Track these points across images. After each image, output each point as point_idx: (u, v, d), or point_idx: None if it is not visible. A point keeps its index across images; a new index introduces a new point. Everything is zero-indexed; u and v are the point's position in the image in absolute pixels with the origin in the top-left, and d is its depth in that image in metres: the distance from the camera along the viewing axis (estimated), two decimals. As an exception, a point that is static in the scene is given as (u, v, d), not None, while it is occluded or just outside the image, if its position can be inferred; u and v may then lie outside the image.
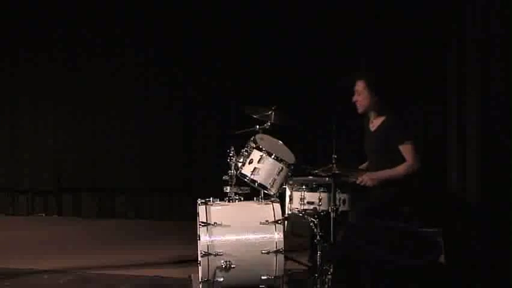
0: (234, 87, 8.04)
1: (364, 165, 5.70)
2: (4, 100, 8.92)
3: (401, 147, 5.29)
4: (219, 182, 5.24)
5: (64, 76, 8.73)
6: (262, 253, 4.82)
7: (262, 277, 4.82)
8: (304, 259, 5.53)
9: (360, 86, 5.45)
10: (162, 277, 5.58)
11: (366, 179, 5.26)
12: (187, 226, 5.79)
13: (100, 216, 8.74)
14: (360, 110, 5.51)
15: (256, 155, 5.16)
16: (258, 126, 5.53)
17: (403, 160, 5.29)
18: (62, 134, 8.83)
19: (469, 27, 6.27)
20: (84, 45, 8.64)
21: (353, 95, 5.50)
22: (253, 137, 5.32)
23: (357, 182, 5.27)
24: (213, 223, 4.86)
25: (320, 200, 5.20)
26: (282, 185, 5.26)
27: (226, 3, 8.01)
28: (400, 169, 5.27)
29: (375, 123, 5.50)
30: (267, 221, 4.90)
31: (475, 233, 5.91)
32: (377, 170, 5.36)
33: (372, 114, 5.51)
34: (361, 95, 5.44)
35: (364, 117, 5.63)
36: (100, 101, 8.66)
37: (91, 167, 8.75)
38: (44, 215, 8.94)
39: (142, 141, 8.59)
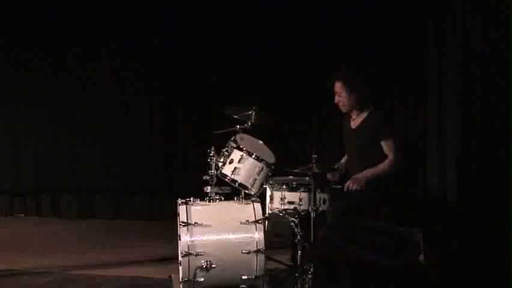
0: (215, 87, 8.01)
1: (342, 161, 5.69)
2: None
3: (383, 143, 5.30)
4: (199, 181, 5.23)
5: (41, 77, 8.69)
6: (242, 253, 4.82)
7: (243, 277, 4.82)
8: (285, 259, 5.53)
9: (338, 86, 5.45)
10: (142, 277, 5.56)
11: (352, 184, 5.21)
12: (168, 226, 5.78)
13: (80, 217, 8.69)
14: (343, 109, 5.51)
15: (236, 154, 5.15)
16: (238, 126, 5.51)
17: (385, 157, 5.29)
18: (41, 134, 8.78)
19: (449, 26, 6.32)
20: (63, 46, 8.60)
21: (333, 95, 5.51)
22: (233, 136, 5.31)
23: (345, 189, 5.23)
24: (193, 223, 4.85)
25: (300, 199, 5.22)
26: (262, 184, 5.26)
27: (207, 3, 8.00)
28: (384, 166, 5.26)
29: (356, 120, 5.50)
30: (247, 220, 4.90)
31: (453, 233, 5.95)
32: (359, 167, 5.34)
33: (354, 112, 5.52)
34: (341, 95, 5.45)
35: (344, 116, 5.64)
36: (79, 101, 8.62)
37: (70, 167, 8.70)
38: (23, 215, 8.88)
39: (122, 141, 8.55)
